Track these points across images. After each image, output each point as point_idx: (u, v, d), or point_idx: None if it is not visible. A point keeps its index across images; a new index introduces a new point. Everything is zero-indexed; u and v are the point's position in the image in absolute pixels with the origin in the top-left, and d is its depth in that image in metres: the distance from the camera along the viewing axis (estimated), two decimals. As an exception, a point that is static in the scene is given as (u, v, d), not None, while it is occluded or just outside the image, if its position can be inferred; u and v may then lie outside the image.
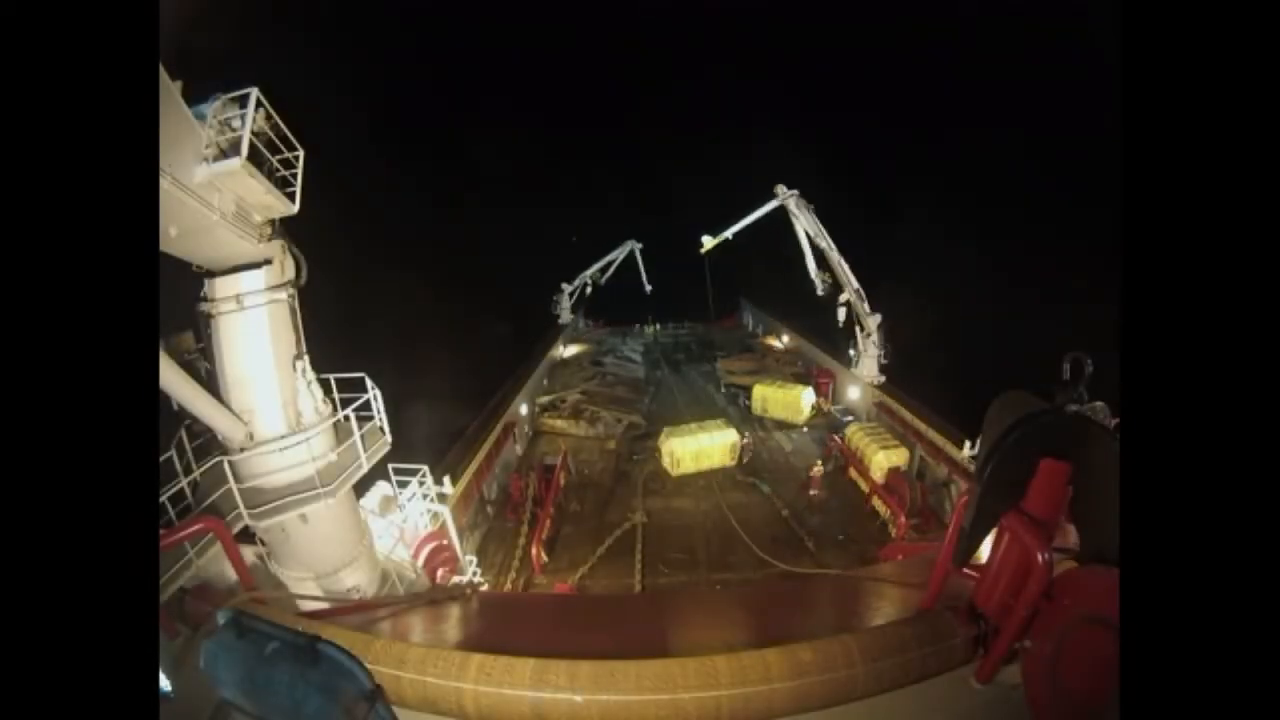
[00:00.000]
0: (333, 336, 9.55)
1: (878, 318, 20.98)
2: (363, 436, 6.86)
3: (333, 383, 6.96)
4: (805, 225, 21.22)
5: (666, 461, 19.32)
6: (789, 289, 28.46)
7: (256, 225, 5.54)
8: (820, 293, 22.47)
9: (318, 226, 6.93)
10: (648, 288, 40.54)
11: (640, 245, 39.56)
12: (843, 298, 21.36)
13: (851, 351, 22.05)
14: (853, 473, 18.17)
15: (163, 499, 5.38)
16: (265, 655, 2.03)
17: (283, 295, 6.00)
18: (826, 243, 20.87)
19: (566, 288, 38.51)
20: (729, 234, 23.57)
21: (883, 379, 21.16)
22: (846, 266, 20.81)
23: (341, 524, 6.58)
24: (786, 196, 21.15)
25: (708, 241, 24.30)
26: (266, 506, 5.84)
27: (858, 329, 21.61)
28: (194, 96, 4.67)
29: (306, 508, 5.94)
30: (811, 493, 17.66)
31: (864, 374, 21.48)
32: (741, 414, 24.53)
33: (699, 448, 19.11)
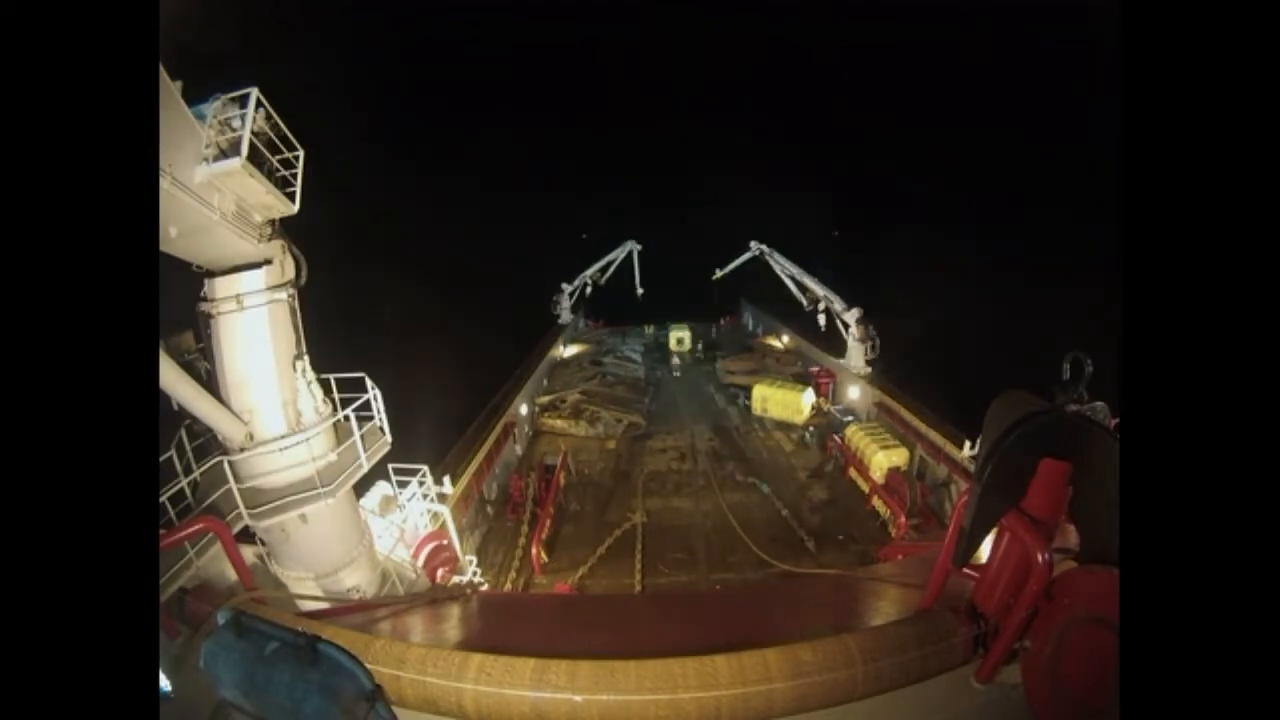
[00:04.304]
0: (333, 336, 9.56)
1: (856, 313, 23.50)
2: (363, 436, 6.86)
3: (333, 383, 6.95)
4: (779, 265, 28.21)
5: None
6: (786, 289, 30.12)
7: (256, 225, 5.54)
8: (806, 308, 27.37)
9: (317, 226, 6.94)
10: (639, 290, 40.13)
11: (639, 246, 39.38)
12: (821, 306, 25.89)
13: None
14: (853, 473, 18.17)
15: (163, 499, 5.38)
16: (265, 655, 2.03)
17: (283, 295, 6.00)
18: (797, 271, 27.04)
19: (566, 288, 38.46)
20: (727, 271, 34.33)
21: (869, 370, 23.12)
22: (814, 281, 26.04)
23: (341, 524, 6.58)
24: (757, 249, 29.62)
25: (719, 272, 34.84)
26: (266, 506, 5.83)
27: (841, 326, 24.58)
28: (194, 96, 4.67)
29: (306, 508, 5.94)
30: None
31: (851, 365, 23.87)
32: (741, 414, 24.55)
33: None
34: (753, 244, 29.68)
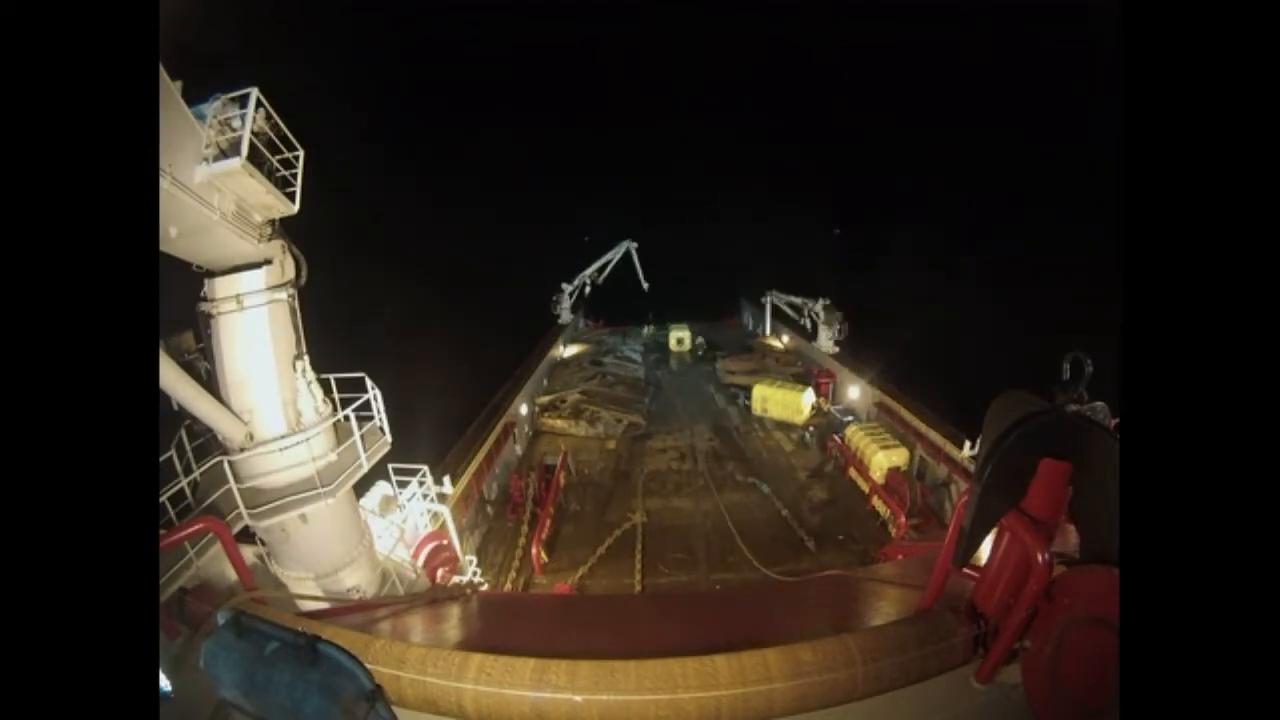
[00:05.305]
0: (333, 336, 9.56)
1: (823, 301, 28.39)
2: (363, 436, 6.86)
3: (333, 383, 6.95)
4: (782, 301, 32.97)
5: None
6: (790, 288, 31.73)
7: (256, 225, 5.54)
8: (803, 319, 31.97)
9: (317, 226, 6.94)
10: (645, 285, 39.94)
11: (636, 244, 39.19)
12: (810, 310, 30.18)
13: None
14: (853, 473, 18.16)
15: (163, 499, 5.38)
16: (265, 655, 2.03)
17: (283, 295, 6.00)
18: (785, 298, 32.48)
19: (566, 288, 38.42)
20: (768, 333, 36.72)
21: (837, 349, 27.31)
22: (799, 298, 30.90)
23: (341, 524, 6.58)
24: (769, 295, 34.52)
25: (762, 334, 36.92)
26: (266, 506, 5.83)
27: (812, 315, 29.46)
28: (194, 96, 4.67)
29: (306, 508, 5.94)
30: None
31: (821, 345, 28.16)
32: (741, 414, 24.54)
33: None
34: (764, 298, 35.58)
